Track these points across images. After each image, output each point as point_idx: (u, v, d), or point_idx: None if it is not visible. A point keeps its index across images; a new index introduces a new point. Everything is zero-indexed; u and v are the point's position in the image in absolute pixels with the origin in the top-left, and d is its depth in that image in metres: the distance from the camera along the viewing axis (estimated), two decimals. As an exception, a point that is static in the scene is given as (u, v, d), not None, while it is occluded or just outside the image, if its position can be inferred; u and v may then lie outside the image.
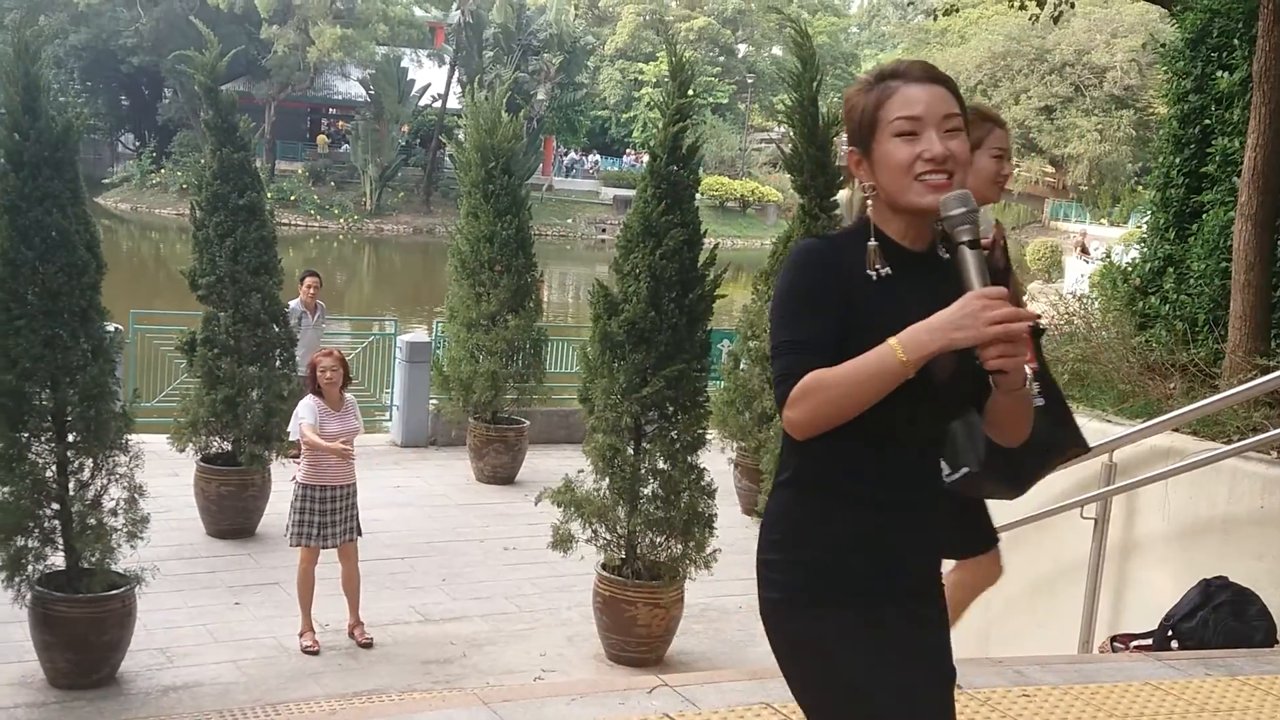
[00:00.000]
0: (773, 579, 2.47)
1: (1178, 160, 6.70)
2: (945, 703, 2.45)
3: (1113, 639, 5.37)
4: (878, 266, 2.31)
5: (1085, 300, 7.41)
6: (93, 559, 6.18)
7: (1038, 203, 60.30)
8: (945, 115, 2.29)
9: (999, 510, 6.27)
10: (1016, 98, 57.13)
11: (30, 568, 6.10)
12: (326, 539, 7.00)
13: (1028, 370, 2.18)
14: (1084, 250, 29.54)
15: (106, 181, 47.64)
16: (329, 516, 6.97)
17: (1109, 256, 8.64)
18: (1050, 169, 58.77)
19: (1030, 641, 6.09)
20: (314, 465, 6.93)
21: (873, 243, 2.31)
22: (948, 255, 2.27)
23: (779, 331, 2.36)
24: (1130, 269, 7.10)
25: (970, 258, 2.18)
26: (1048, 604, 6.14)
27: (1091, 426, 5.86)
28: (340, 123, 52.12)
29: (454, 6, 49.61)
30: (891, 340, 2.16)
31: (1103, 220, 51.45)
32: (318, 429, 6.88)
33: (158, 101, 51.92)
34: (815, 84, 7.68)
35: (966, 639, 6.80)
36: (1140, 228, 8.12)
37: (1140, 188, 44.20)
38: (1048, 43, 54.93)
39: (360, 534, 7.19)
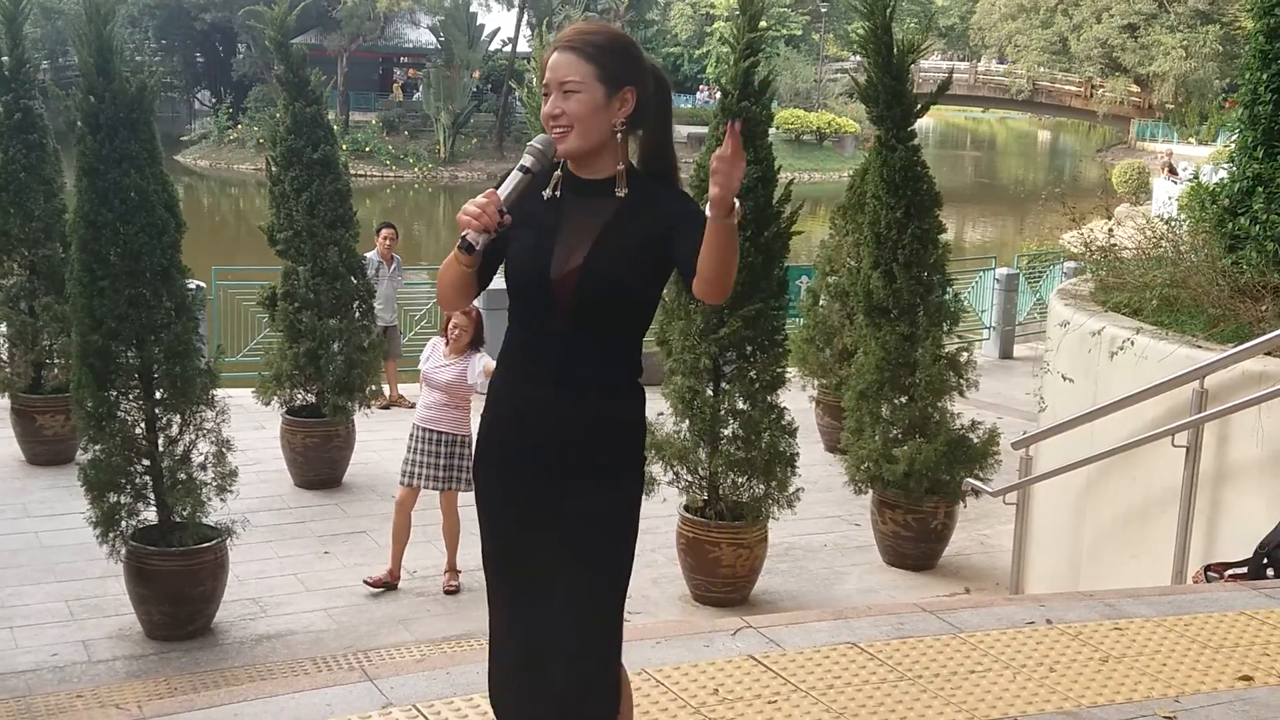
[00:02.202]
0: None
1: (1265, 76, 6.45)
2: (555, 569, 2.78)
3: (1206, 569, 5.26)
4: (552, 191, 2.84)
5: (1173, 223, 7.21)
6: (184, 513, 6.30)
7: (1123, 123, 58.77)
8: (563, 80, 2.76)
9: (1088, 440, 6.18)
10: (1099, 16, 55.58)
11: (124, 523, 6.24)
12: (426, 481, 7.03)
13: (468, 236, 2.68)
14: (1171, 171, 28.77)
15: (184, 139, 48.17)
16: (430, 459, 7.00)
17: (1197, 177, 8.40)
18: (1135, 88, 57.14)
19: (1122, 573, 5.99)
20: (424, 407, 7.06)
21: (558, 172, 2.85)
22: (622, 192, 2.81)
23: None
24: (1218, 189, 6.87)
25: (513, 175, 2.75)
26: (1139, 535, 6.03)
27: (1181, 353, 5.72)
28: (411, 71, 52.18)
29: (521, -52, 49.30)
30: None
31: (1190, 139, 50.00)
32: (426, 364, 7.09)
33: (232, 57, 52.36)
34: (889, 11, 7.49)
35: (1056, 572, 6.73)
36: (1228, 146, 7.87)
37: (1228, 105, 42.88)
38: (1129, -43, 53.30)
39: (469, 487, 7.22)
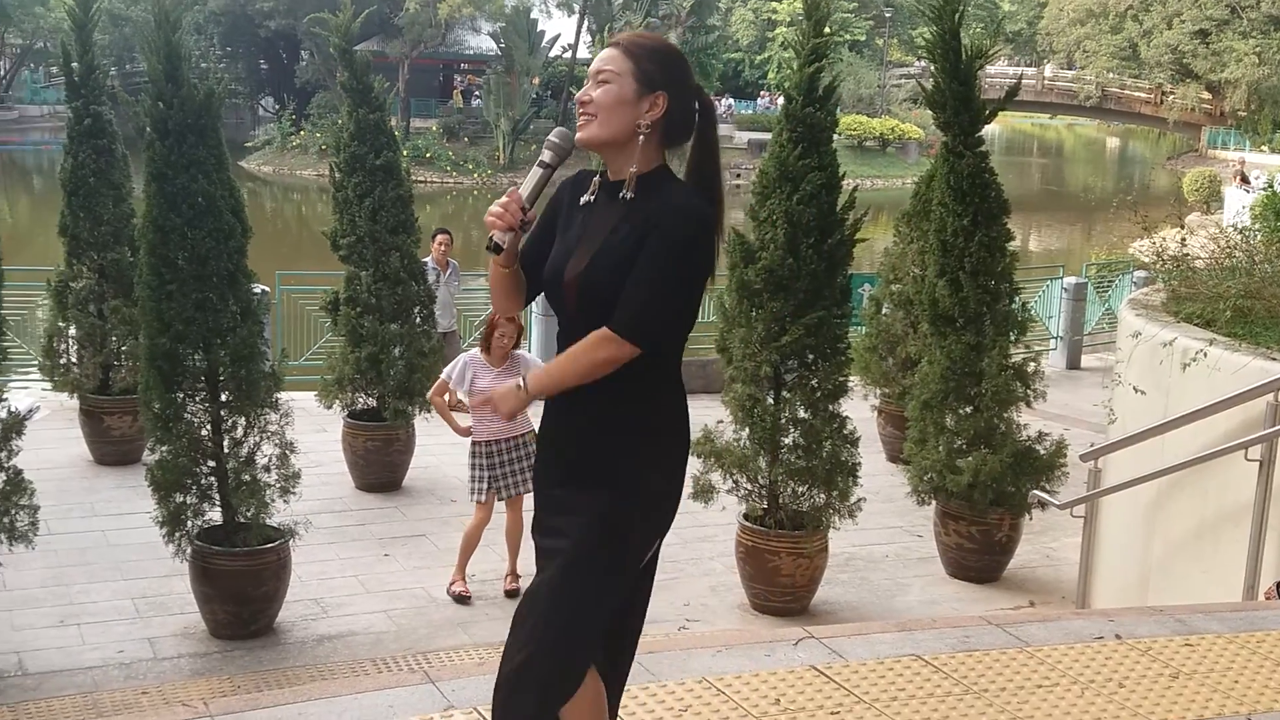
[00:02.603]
0: None
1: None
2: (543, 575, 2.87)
3: (1279, 585, 5.14)
4: (590, 195, 2.88)
5: (1247, 232, 7.06)
6: (248, 514, 6.36)
7: (1194, 130, 57.89)
8: (599, 70, 2.82)
9: (1158, 453, 6.06)
10: (1169, 21, 54.75)
11: (189, 523, 6.31)
12: (500, 491, 6.99)
13: (494, 236, 2.78)
14: (1244, 179, 28.30)
15: (248, 145, 48.80)
16: (499, 470, 6.96)
17: (1271, 185, 8.23)
18: (1206, 95, 56.25)
19: (1192, 589, 5.87)
20: (477, 420, 6.95)
21: (597, 177, 2.90)
22: (629, 195, 2.81)
23: None
24: (1294, 198, 6.73)
25: (532, 173, 2.84)
26: (1210, 550, 5.91)
27: (1255, 365, 5.60)
28: (472, 77, 52.51)
29: (583, -46, 49.48)
30: None
31: (1263, 147, 49.13)
32: (467, 388, 6.90)
33: (295, 64, 53.01)
34: (957, 16, 7.41)
35: (1124, 587, 6.61)
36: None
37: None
38: (1200, -37, 52.49)
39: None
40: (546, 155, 2.85)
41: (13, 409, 6.09)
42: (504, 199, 2.79)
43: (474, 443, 6.99)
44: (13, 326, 9.52)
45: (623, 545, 2.85)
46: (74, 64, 9.12)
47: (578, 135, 2.83)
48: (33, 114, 64.18)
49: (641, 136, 2.80)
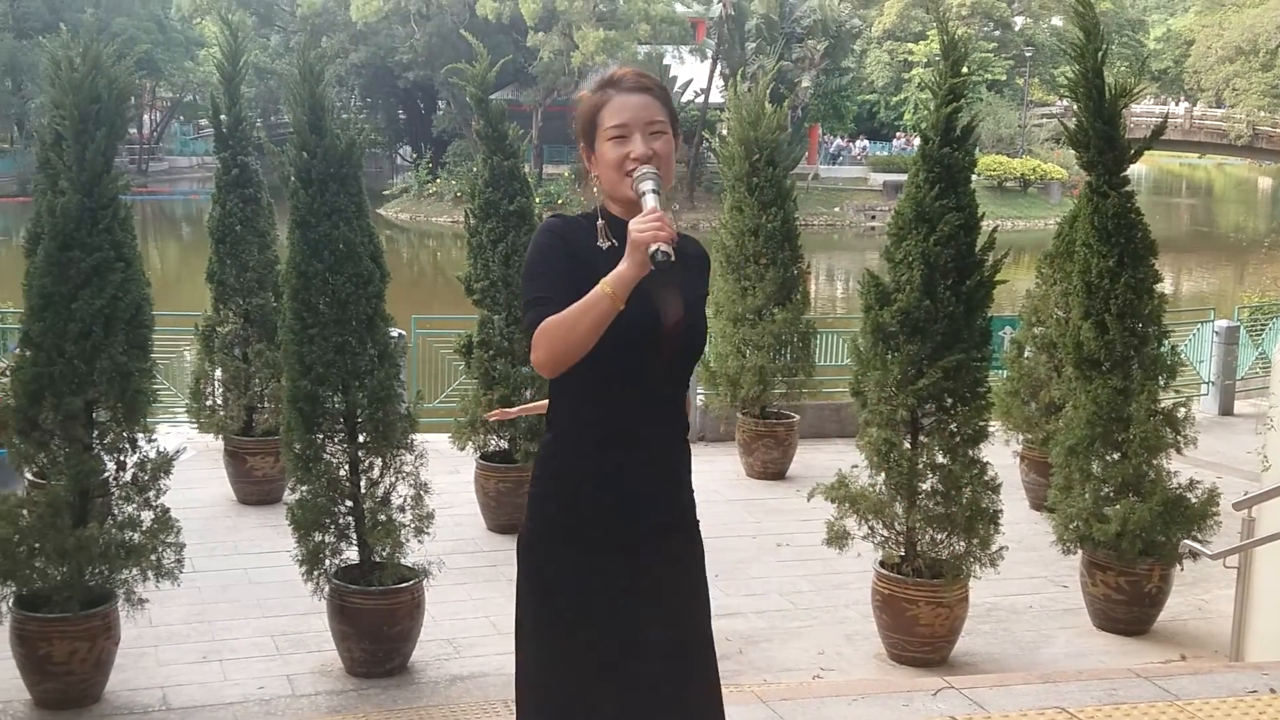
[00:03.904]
0: (529, 513, 2.93)
1: None
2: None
3: None
4: (609, 239, 2.81)
5: None
6: (384, 553, 6.43)
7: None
8: (649, 121, 2.82)
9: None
10: (1319, 57, 52.95)
11: (327, 562, 6.40)
12: None
13: (661, 248, 2.62)
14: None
15: (386, 193, 50.10)
16: None
17: None
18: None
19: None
20: None
21: (600, 221, 2.84)
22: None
23: (524, 296, 2.83)
24: None
25: (649, 198, 2.76)
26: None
27: None
28: (605, 124, 53.04)
29: (715, 0, 49.83)
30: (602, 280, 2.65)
31: None
32: None
33: (432, 114, 54.28)
34: (1100, 54, 7.24)
35: (1272, 642, 6.29)
36: None
37: None
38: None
39: None
40: (651, 183, 2.81)
41: (161, 449, 6.27)
42: (649, 216, 2.67)
43: None
44: (162, 370, 9.87)
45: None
46: (222, 116, 9.45)
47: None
48: (181, 165, 66.98)
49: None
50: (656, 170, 2.80)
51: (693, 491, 2.97)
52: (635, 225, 2.64)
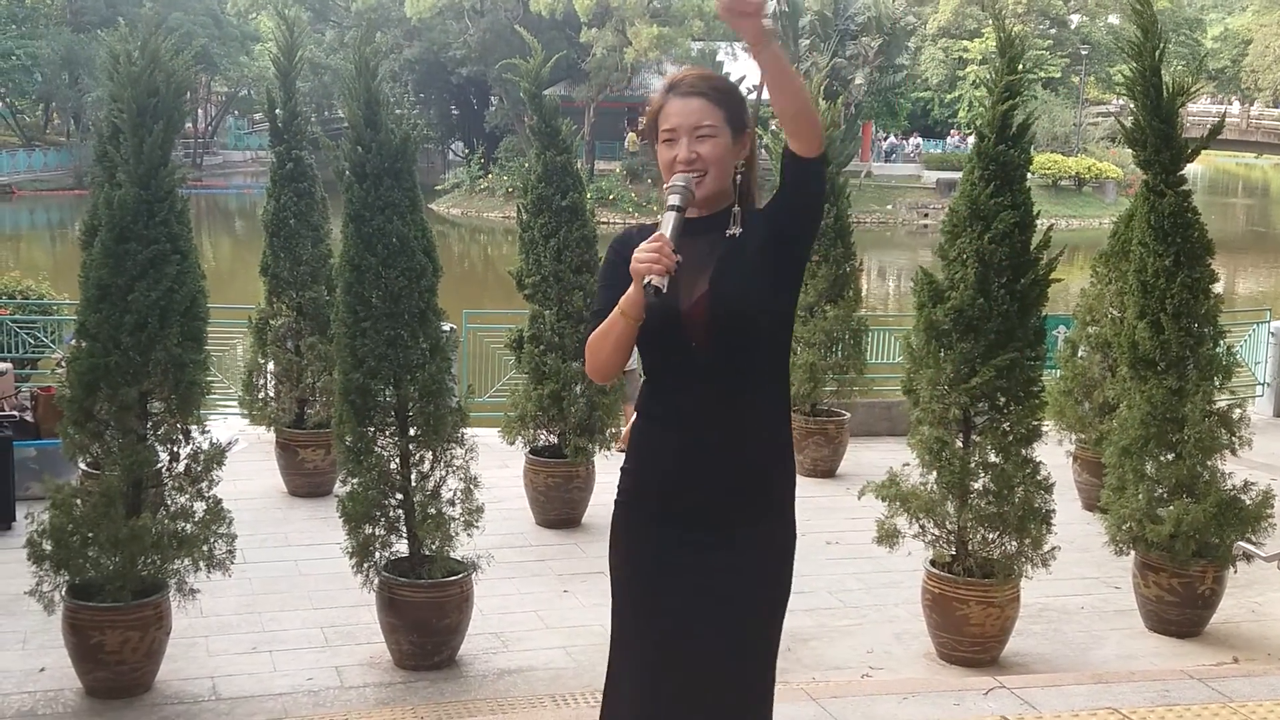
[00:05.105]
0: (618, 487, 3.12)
1: None
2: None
3: None
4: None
5: None
6: (433, 546, 6.47)
7: None
8: (696, 125, 2.87)
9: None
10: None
11: (377, 554, 6.44)
12: None
13: (653, 281, 2.70)
14: None
15: (439, 188, 50.35)
16: None
17: None
18: None
19: None
20: None
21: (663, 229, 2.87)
22: (736, 231, 2.89)
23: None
24: None
25: (668, 216, 2.82)
26: None
27: None
28: (657, 120, 53.05)
29: (768, -2, 49.65)
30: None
31: None
32: None
33: (485, 110, 54.55)
34: (1157, 53, 7.15)
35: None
36: None
37: None
38: None
39: None
40: (676, 199, 2.86)
41: (214, 441, 6.34)
42: (652, 243, 2.76)
43: None
44: (215, 362, 9.97)
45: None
46: (278, 110, 9.53)
47: (697, 193, 2.88)
48: (236, 159, 67.72)
49: (739, 176, 2.93)
50: (689, 184, 2.85)
51: (774, 494, 3.04)
52: (637, 253, 2.76)
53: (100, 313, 5.85)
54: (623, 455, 3.08)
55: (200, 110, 64.96)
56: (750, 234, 2.90)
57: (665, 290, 2.73)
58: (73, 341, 6.19)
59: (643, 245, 2.76)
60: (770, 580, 2.96)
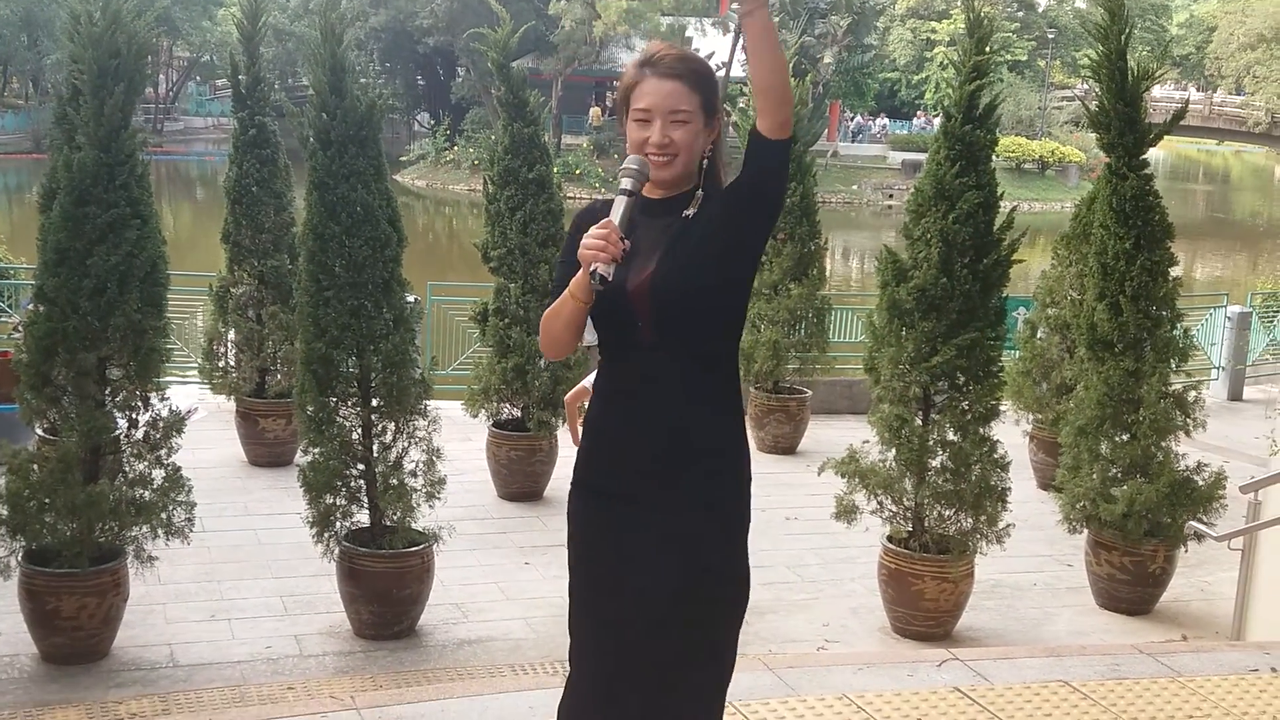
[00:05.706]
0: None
1: None
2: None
3: None
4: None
5: None
6: (394, 517, 6.46)
7: None
8: (672, 110, 2.82)
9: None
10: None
11: (338, 524, 6.44)
12: None
13: (599, 269, 2.71)
14: None
15: (404, 160, 49.97)
16: None
17: None
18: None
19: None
20: None
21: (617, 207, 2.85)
22: (691, 212, 2.86)
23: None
24: None
25: (619, 200, 2.80)
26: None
27: None
28: (623, 95, 52.91)
29: (737, -26, 49.52)
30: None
31: None
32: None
33: (451, 81, 54.12)
34: (1123, 36, 7.21)
35: (1274, 625, 6.30)
36: None
37: None
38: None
39: None
40: (628, 183, 2.83)
41: (174, 408, 6.29)
42: (599, 229, 2.74)
43: None
44: (175, 330, 9.90)
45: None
46: (241, 76, 9.43)
47: (661, 174, 2.86)
48: (197, 125, 66.89)
49: (706, 161, 2.91)
50: (642, 166, 2.82)
51: (725, 473, 2.91)
52: (585, 239, 2.75)
53: (59, 277, 5.79)
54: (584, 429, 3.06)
55: (162, 75, 64.08)
56: (706, 214, 2.87)
57: (611, 279, 2.73)
58: (30, 306, 6.12)
59: (591, 231, 2.75)
60: (721, 558, 2.88)
